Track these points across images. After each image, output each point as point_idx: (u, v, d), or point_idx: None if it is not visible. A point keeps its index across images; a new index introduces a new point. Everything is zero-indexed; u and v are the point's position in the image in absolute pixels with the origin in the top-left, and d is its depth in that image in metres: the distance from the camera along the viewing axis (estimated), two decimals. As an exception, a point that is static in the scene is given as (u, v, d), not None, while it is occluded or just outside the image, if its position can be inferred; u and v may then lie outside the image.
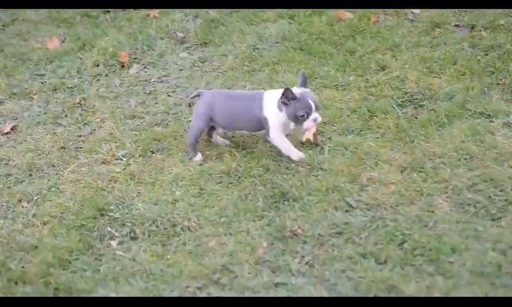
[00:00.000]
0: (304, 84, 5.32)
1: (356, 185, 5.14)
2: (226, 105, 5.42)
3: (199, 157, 5.49)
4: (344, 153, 5.40)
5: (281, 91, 5.25)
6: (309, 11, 6.92)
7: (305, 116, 5.23)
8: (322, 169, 5.29)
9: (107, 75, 6.52)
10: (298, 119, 5.26)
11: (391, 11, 6.88)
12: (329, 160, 5.34)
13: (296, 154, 5.36)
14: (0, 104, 6.33)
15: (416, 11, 6.84)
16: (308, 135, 5.40)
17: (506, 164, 5.18)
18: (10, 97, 6.40)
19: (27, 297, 4.57)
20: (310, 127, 5.30)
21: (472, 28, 6.58)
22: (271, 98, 5.32)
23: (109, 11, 7.23)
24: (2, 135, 5.96)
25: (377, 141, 5.46)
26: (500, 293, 4.34)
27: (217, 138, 5.62)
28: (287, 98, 5.21)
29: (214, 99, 5.44)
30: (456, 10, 6.74)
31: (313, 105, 5.23)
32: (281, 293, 4.49)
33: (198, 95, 5.52)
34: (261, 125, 5.37)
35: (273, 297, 4.46)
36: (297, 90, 5.24)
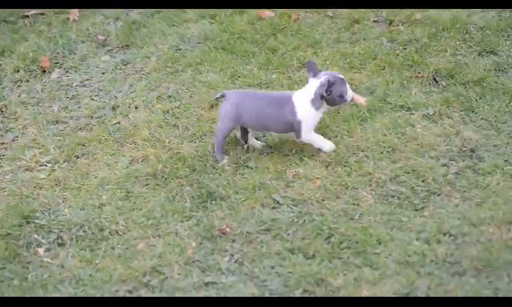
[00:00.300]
0: (317, 71, 5.32)
1: (282, 181, 5.20)
2: (254, 105, 5.31)
3: (226, 159, 5.37)
4: (269, 151, 5.45)
5: (307, 90, 5.26)
6: (230, 10, 6.95)
7: (346, 90, 5.28)
8: (248, 167, 5.33)
9: (28, 81, 6.43)
10: (342, 98, 5.27)
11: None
12: (255, 158, 5.38)
13: (328, 145, 5.36)
14: None
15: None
16: (359, 98, 5.47)
17: (427, 155, 5.30)
18: None
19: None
20: (353, 95, 5.39)
21: (390, 23, 6.70)
22: (303, 101, 5.27)
23: (27, 16, 7.13)
24: None
25: (301, 137, 5.53)
26: (425, 281, 4.44)
27: (252, 140, 5.48)
28: (330, 86, 5.20)
29: (242, 99, 5.33)
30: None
31: (342, 77, 5.30)
32: (212, 292, 4.52)
33: (223, 96, 5.38)
34: (291, 127, 5.31)
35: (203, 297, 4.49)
36: (324, 77, 5.24)
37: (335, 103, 5.30)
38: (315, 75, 5.30)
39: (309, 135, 5.32)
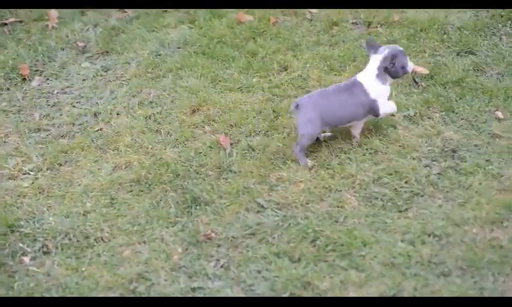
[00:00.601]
0: (378, 47, 5.47)
1: (266, 185, 5.21)
2: (331, 103, 5.35)
3: (309, 162, 5.35)
4: (252, 155, 5.47)
5: (371, 67, 5.40)
6: (209, 14, 6.97)
7: (407, 62, 5.44)
8: (231, 171, 5.35)
9: (8, 89, 6.41)
10: (404, 69, 5.43)
11: (290, 11, 6.99)
12: (238, 162, 5.40)
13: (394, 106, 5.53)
14: None
15: (314, 10, 6.97)
16: (419, 68, 5.68)
17: (409, 156, 5.34)
18: None
19: None
20: (414, 66, 5.58)
21: (369, 25, 6.75)
22: (370, 80, 5.39)
23: (6, 24, 7.10)
24: None
25: (284, 141, 5.54)
26: (411, 282, 4.48)
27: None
28: (393, 60, 5.35)
29: (319, 101, 5.34)
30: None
31: (402, 49, 5.48)
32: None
33: (297, 105, 5.34)
34: (369, 109, 5.40)
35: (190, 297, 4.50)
36: (386, 50, 5.40)
37: (398, 75, 5.44)
38: (376, 51, 5.44)
39: (386, 108, 5.45)
